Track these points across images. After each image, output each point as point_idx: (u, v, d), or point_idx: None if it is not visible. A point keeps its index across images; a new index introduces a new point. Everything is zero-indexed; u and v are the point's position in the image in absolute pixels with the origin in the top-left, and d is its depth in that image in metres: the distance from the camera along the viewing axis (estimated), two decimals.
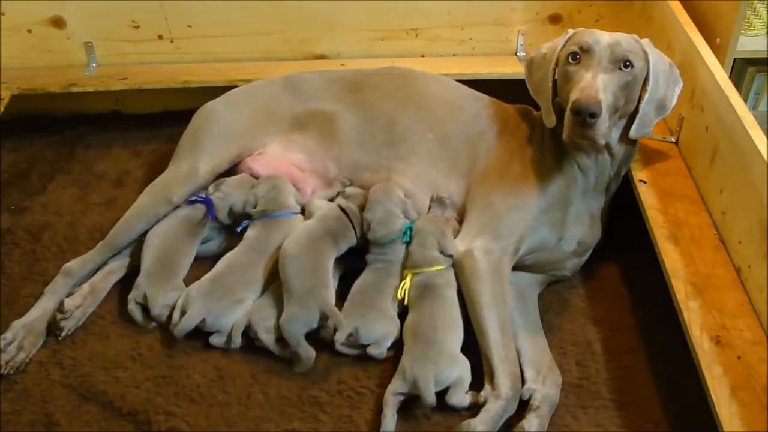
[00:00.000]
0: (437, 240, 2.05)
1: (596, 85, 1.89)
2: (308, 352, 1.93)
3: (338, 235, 2.11)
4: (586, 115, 1.86)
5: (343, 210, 2.16)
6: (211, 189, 2.28)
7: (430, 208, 2.21)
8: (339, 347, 1.95)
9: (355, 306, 2.00)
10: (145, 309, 2.07)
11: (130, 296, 2.08)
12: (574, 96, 1.89)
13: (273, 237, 2.15)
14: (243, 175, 2.33)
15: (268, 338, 1.96)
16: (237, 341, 1.98)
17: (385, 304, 2.01)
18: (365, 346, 1.96)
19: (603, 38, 1.97)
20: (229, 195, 2.25)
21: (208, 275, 2.09)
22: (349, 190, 2.26)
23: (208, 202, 2.24)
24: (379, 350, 1.95)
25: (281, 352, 1.96)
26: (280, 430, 1.82)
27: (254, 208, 2.22)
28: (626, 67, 1.94)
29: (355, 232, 2.14)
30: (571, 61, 1.98)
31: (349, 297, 2.04)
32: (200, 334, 2.02)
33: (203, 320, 1.99)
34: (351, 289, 2.06)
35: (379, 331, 1.96)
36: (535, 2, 2.82)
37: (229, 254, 2.15)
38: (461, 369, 1.85)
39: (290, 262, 2.01)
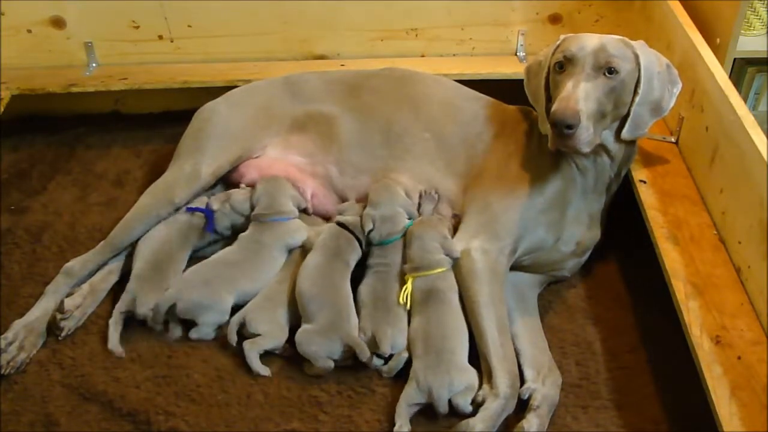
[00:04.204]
0: (440, 243, 2.05)
1: (576, 95, 1.89)
2: (327, 363, 1.92)
3: (345, 253, 2.09)
4: (563, 127, 1.87)
5: (341, 225, 2.14)
6: (216, 204, 2.25)
7: (419, 205, 2.21)
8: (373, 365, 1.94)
9: (379, 312, 1.98)
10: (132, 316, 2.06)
11: (118, 307, 2.05)
12: (553, 107, 1.90)
13: (265, 238, 2.14)
14: (248, 190, 2.30)
15: (249, 350, 1.95)
16: (233, 339, 1.98)
17: (400, 311, 1.99)
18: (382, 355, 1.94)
19: (588, 44, 1.96)
20: (235, 210, 2.24)
21: (194, 267, 2.09)
22: (341, 206, 2.25)
23: (207, 214, 2.23)
24: (397, 365, 1.93)
25: (258, 368, 1.94)
26: (280, 430, 1.82)
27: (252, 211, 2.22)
28: (611, 73, 1.93)
29: (360, 242, 2.12)
30: (558, 69, 1.99)
31: (365, 305, 2.01)
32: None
33: (176, 306, 2.00)
34: (361, 297, 2.03)
35: (402, 342, 1.95)
36: (535, 2, 2.82)
37: (222, 250, 2.15)
38: (472, 377, 1.84)
39: (310, 303, 1.98)
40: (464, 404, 1.81)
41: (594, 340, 2.05)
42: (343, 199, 2.33)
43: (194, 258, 2.21)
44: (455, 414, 1.82)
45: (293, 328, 2.01)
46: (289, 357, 1.98)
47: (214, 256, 2.13)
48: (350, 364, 1.95)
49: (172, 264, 2.14)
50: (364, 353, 1.91)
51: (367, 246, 2.13)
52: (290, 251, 2.17)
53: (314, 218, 2.33)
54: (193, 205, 2.26)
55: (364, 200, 2.24)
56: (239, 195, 2.27)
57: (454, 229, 2.14)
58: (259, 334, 1.97)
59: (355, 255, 2.11)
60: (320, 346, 1.92)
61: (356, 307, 2.01)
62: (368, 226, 2.11)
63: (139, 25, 2.81)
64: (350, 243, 2.11)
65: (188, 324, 2.04)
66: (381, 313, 1.97)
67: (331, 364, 1.92)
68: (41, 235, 2.40)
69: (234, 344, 1.98)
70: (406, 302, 1.99)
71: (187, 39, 2.85)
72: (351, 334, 1.93)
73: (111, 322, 2.04)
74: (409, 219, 2.15)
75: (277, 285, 2.08)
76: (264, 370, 1.94)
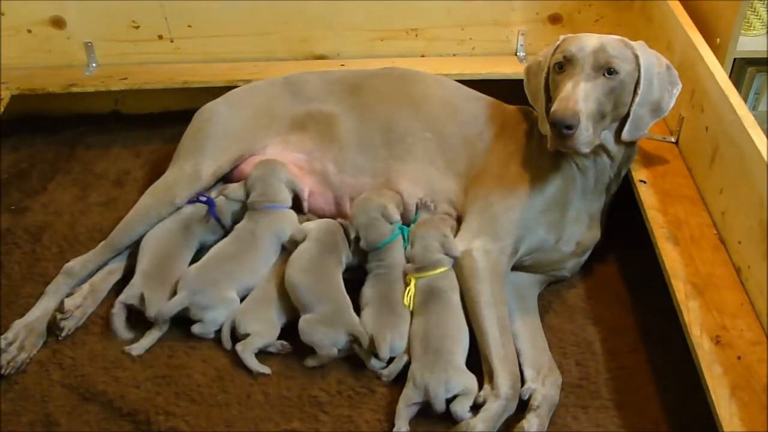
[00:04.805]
0: (440, 243, 2.05)
1: (575, 95, 1.89)
2: (331, 351, 1.93)
3: (340, 250, 2.11)
4: (562, 127, 1.87)
5: (342, 225, 2.16)
6: (214, 193, 2.27)
7: (416, 214, 2.21)
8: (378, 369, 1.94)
9: (383, 313, 1.98)
10: (133, 313, 2.06)
11: (121, 298, 2.06)
12: (552, 108, 1.91)
13: (260, 229, 2.15)
14: (243, 183, 2.31)
15: (243, 351, 1.95)
16: (227, 344, 1.99)
17: (404, 313, 1.99)
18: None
19: (588, 44, 1.96)
20: (233, 199, 2.25)
21: (197, 263, 2.09)
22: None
23: (209, 202, 2.24)
24: (396, 369, 1.93)
25: (256, 367, 1.94)
26: (280, 430, 1.82)
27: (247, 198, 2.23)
28: (610, 73, 1.94)
29: (349, 246, 2.13)
30: (557, 69, 1.99)
31: (370, 304, 2.01)
32: (199, 336, 2.03)
33: (187, 309, 2.01)
34: (365, 297, 2.03)
35: (402, 345, 1.95)
36: (535, 2, 2.82)
37: (218, 244, 2.15)
38: (470, 381, 1.84)
39: (307, 295, 1.98)
40: (462, 412, 1.79)
41: (594, 340, 2.05)
42: (338, 199, 2.33)
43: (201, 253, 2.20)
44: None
45: (286, 325, 2.02)
46: (288, 356, 1.98)
47: (212, 251, 2.13)
48: (351, 353, 1.96)
49: (177, 260, 2.14)
50: (365, 344, 1.92)
51: (365, 253, 2.13)
52: (282, 249, 2.17)
53: (310, 216, 2.33)
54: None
55: None
56: (234, 185, 2.29)
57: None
58: (249, 334, 1.98)
59: (347, 255, 2.12)
60: (324, 335, 1.93)
61: (359, 307, 2.01)
62: (351, 235, 2.13)
63: (139, 25, 2.81)
64: (345, 242, 2.13)
65: (185, 320, 2.04)
66: (384, 315, 1.97)
67: (335, 352, 1.93)
68: (41, 235, 2.40)
69: (229, 348, 1.99)
70: (410, 304, 1.99)
71: (187, 39, 2.85)
72: (354, 324, 1.94)
73: (114, 311, 2.04)
74: (391, 223, 2.14)
75: (266, 283, 2.09)
76: (262, 368, 1.94)
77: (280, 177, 2.24)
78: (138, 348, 1.99)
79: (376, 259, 2.10)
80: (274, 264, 2.14)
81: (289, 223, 2.19)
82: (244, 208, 2.24)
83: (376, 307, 1.99)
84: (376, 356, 1.93)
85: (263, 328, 1.99)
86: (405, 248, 2.11)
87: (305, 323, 1.95)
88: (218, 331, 2.03)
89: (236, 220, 2.24)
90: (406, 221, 2.21)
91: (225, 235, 2.22)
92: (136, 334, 2.04)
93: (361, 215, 2.14)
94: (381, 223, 2.12)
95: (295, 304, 2.01)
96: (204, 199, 2.25)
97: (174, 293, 2.05)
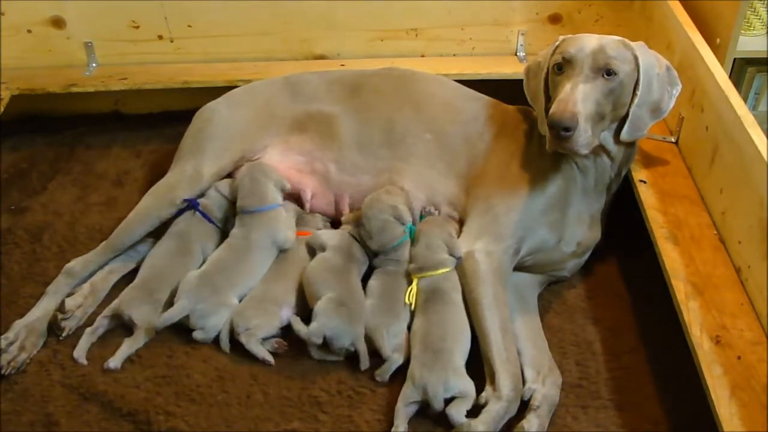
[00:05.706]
0: (444, 242, 2.05)
1: (574, 97, 1.89)
2: (327, 356, 1.94)
3: (360, 259, 2.12)
4: (560, 129, 1.87)
5: (352, 236, 2.17)
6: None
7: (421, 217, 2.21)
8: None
9: (382, 312, 1.99)
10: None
11: (105, 312, 2.05)
12: (551, 110, 1.91)
13: (253, 233, 2.15)
14: (231, 180, 2.32)
15: (248, 341, 1.96)
16: (225, 345, 2.00)
17: (403, 311, 2.00)
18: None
19: (587, 45, 1.96)
20: (221, 192, 2.26)
21: (197, 271, 2.09)
22: (346, 217, 2.27)
23: (193, 204, 2.23)
24: (388, 368, 1.94)
25: (263, 355, 1.95)
26: (280, 430, 1.82)
27: (235, 202, 2.23)
28: (609, 74, 1.93)
29: (366, 254, 2.15)
30: (556, 70, 1.99)
31: (370, 299, 2.02)
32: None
33: (187, 316, 2.01)
34: (368, 290, 2.05)
35: (396, 343, 1.96)
36: (535, 2, 2.82)
37: (215, 253, 2.15)
38: (468, 384, 1.83)
39: (322, 289, 1.99)
40: (459, 416, 1.78)
41: (594, 340, 2.05)
42: (339, 198, 2.33)
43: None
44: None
45: (285, 327, 2.02)
46: (288, 356, 1.98)
47: (210, 260, 2.13)
48: (350, 354, 1.96)
49: (169, 274, 2.11)
50: (365, 361, 1.93)
51: (376, 254, 2.15)
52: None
53: (315, 216, 2.33)
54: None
55: (361, 201, 2.23)
56: (224, 180, 2.31)
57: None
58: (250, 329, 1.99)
59: (365, 263, 2.14)
60: (345, 330, 1.92)
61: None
62: (370, 245, 2.12)
63: (139, 25, 2.82)
64: (361, 250, 2.14)
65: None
66: (382, 312, 1.98)
67: (332, 358, 1.95)
68: (41, 235, 2.40)
69: (227, 350, 1.99)
70: (412, 302, 1.99)
71: (187, 39, 2.85)
72: (373, 333, 1.95)
73: (89, 329, 2.02)
74: (403, 224, 2.14)
75: (262, 284, 2.09)
76: (268, 356, 1.95)
77: (268, 176, 2.24)
78: (114, 361, 1.95)
79: (386, 256, 2.11)
80: (273, 266, 2.14)
81: (281, 221, 2.18)
82: (232, 205, 2.24)
83: (376, 301, 2.01)
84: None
85: (263, 321, 1.99)
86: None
87: (327, 303, 1.94)
88: (218, 335, 2.03)
89: (225, 216, 2.24)
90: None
91: (222, 240, 2.21)
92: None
93: (373, 219, 2.13)
94: (393, 224, 2.13)
95: (308, 300, 2.01)
96: (186, 204, 2.24)
97: (169, 303, 2.04)
